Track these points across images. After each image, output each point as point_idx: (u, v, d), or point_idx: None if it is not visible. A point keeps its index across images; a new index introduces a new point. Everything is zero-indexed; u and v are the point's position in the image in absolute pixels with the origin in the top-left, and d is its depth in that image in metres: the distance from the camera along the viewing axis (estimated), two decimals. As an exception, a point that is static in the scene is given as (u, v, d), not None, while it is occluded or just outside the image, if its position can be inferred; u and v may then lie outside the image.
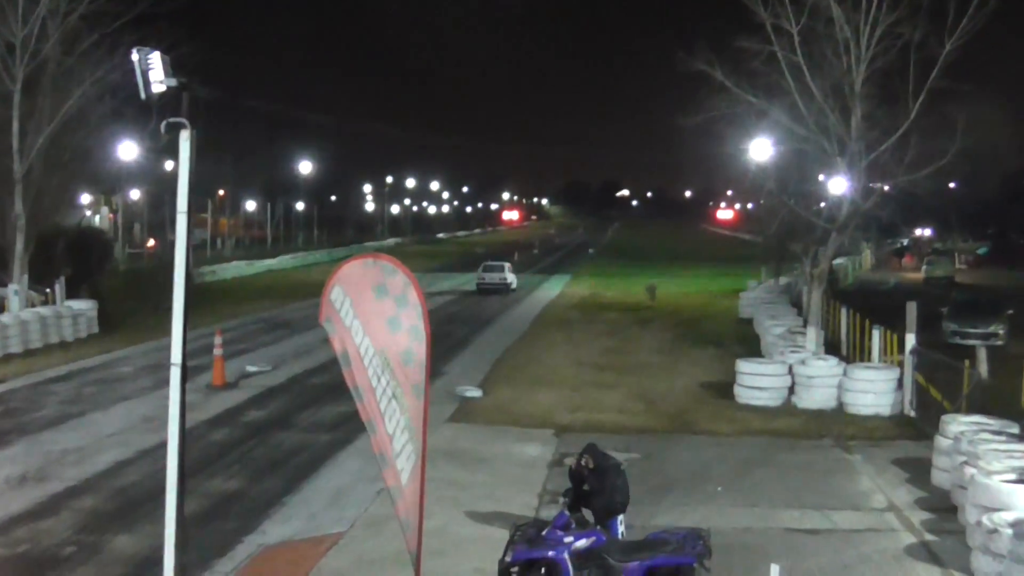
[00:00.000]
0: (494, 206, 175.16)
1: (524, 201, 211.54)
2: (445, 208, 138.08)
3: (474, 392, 16.74)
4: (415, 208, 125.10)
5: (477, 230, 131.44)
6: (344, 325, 6.37)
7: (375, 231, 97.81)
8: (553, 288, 41.40)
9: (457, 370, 19.45)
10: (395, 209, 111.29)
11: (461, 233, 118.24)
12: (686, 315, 29.97)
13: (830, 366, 15.75)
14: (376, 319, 6.20)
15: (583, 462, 7.84)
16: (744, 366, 16.22)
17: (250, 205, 79.14)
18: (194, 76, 6.44)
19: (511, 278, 39.46)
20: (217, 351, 17.79)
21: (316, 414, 15.42)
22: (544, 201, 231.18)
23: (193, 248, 46.54)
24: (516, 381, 17.99)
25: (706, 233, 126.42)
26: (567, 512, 7.45)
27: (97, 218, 49.23)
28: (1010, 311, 24.04)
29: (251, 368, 19.24)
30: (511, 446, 13.12)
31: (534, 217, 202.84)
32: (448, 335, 24.77)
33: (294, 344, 23.18)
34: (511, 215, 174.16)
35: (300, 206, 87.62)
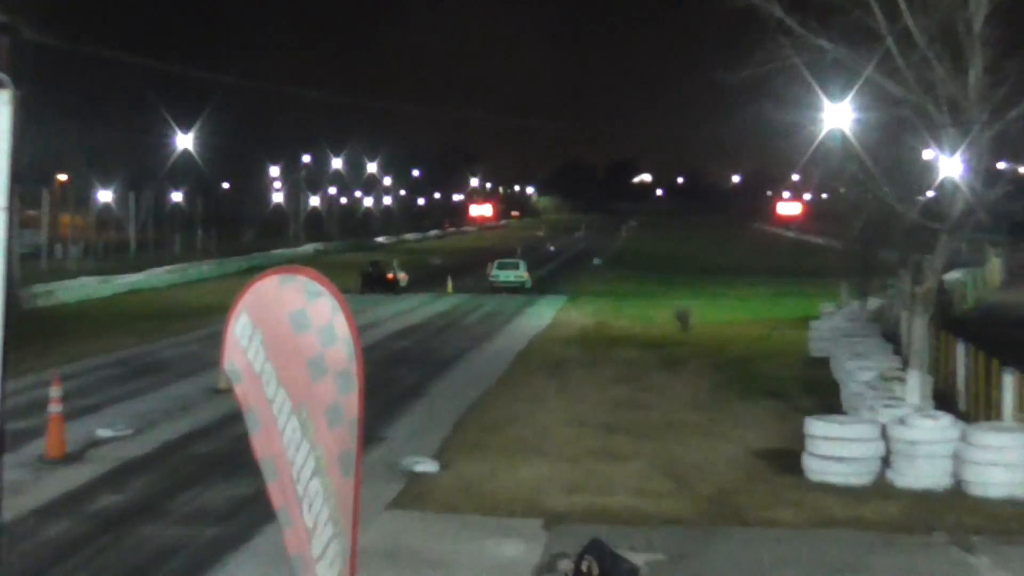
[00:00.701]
0: (458, 197, 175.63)
1: (502, 190, 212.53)
2: (387, 200, 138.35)
3: (428, 465, 16.68)
4: (344, 200, 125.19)
5: (433, 231, 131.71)
6: (253, 371, 6.34)
7: (286, 233, 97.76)
8: (542, 314, 41.51)
9: (404, 433, 19.42)
10: (315, 202, 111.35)
11: (411, 236, 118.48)
12: (733, 353, 30.09)
13: (942, 427, 15.78)
14: (294, 361, 6.18)
15: (585, 567, 7.82)
16: (817, 427, 16.26)
17: (105, 196, 78.79)
18: (21, 13, 6.39)
19: (527, 277, 52.84)
20: (54, 407, 17.63)
21: (199, 498, 15.30)
22: (530, 190, 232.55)
23: (20, 258, 46.13)
24: (488, 449, 17.95)
25: (762, 235, 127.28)
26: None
27: None
28: None
29: (104, 432, 19.08)
30: (481, 544, 13.06)
31: (515, 213, 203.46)
32: (392, 382, 24.73)
33: (168, 397, 23.04)
34: (482, 209, 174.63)
35: (178, 198, 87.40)
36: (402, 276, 52.24)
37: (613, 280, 59.71)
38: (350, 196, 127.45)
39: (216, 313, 39.40)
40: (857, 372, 21.19)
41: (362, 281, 50.82)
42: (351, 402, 6.11)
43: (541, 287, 54.63)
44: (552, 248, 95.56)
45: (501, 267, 53.38)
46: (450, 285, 51.74)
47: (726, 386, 24.43)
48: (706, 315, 38.54)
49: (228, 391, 23.94)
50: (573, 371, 26.78)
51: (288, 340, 6.19)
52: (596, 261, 77.04)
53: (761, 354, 29.91)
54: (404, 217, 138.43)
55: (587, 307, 43.98)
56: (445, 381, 25.93)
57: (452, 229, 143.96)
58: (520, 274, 52.87)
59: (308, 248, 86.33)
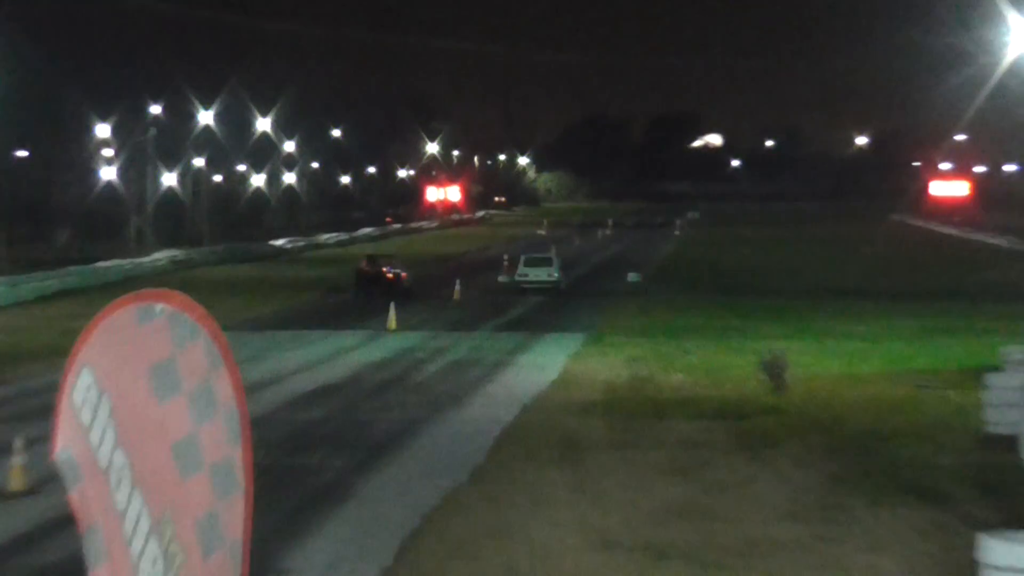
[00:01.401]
0: (405, 172, 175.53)
1: (481, 161, 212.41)
2: (290, 178, 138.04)
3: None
4: (218, 178, 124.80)
5: (366, 229, 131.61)
6: (97, 464, 6.33)
7: (124, 231, 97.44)
8: (545, 365, 41.43)
9: (318, 562, 19.43)
10: (170, 180, 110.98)
11: (328, 237, 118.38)
12: (856, 427, 30.06)
13: None
14: (156, 446, 6.18)
15: None
16: (999, 550, 16.23)
17: None
18: None
19: (560, 275, 69.02)
20: None
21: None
22: (523, 162, 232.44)
23: None
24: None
25: (905, 231, 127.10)
26: None
27: None
28: None
29: None
30: None
31: (500, 199, 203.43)
32: (300, 477, 24.77)
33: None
34: (446, 194, 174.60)
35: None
36: (403, 275, 65.65)
37: (660, 308, 59.57)
38: (229, 171, 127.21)
39: (4, 366, 39.32)
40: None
41: (355, 281, 63.72)
42: (234, 511, 6.11)
43: (543, 320, 54.62)
44: (554, 251, 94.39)
45: (529, 264, 69.42)
46: (392, 318, 51.71)
47: (845, 482, 24.38)
48: (812, 365, 38.48)
49: (26, 494, 23.92)
50: (595, 458, 26.71)
51: (149, 411, 6.19)
52: (632, 277, 77.02)
53: (903, 429, 29.85)
54: (319, 205, 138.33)
55: (618, 352, 43.85)
56: (385, 474, 25.85)
57: (396, 225, 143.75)
58: (553, 272, 68.69)
59: (160, 257, 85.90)
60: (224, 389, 6.18)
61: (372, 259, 67.30)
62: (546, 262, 70.53)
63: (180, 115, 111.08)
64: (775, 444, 28.03)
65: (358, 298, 62.04)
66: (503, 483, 24.50)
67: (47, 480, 21.53)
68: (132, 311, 6.41)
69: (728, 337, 46.78)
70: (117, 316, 6.42)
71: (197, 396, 6.18)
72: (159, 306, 6.33)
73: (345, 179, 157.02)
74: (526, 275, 68.15)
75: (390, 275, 64.45)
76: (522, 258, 71.30)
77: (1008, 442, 26.75)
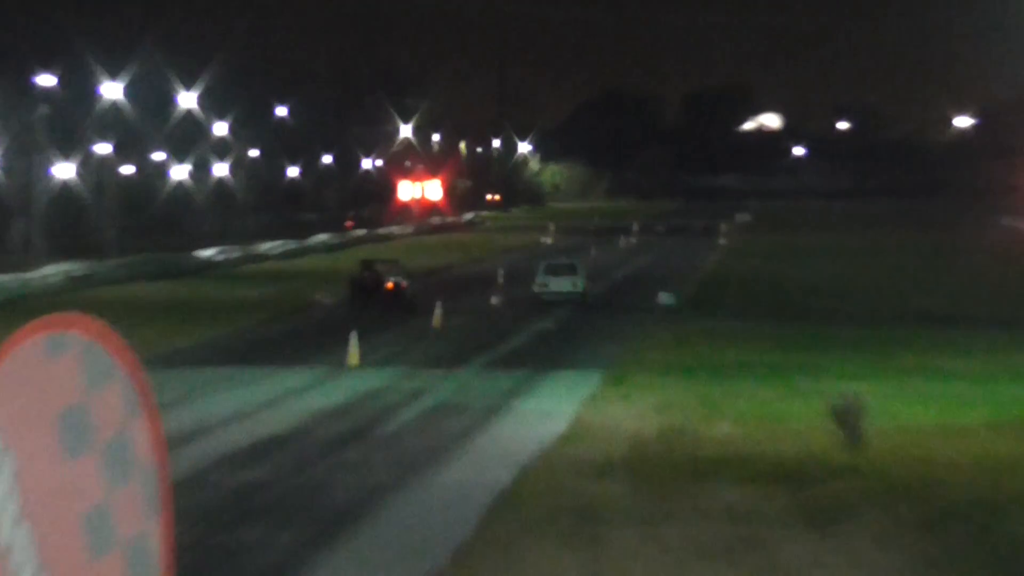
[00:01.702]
0: (371, 163, 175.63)
1: (469, 149, 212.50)
2: (222, 170, 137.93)
3: None
4: (129, 170, 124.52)
5: (323, 236, 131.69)
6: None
7: (5, 240, 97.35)
8: (551, 411, 41.49)
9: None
10: (66, 172, 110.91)
11: (271, 246, 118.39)
12: (955, 493, 30.06)
13: None
14: (65, 517, 6.19)
15: None
16: None
17: None
18: None
19: (585, 285, 76.30)
20: None
21: None
22: (524, 149, 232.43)
23: None
24: None
25: (1016, 239, 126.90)
26: None
27: None
28: None
29: None
30: None
31: (494, 197, 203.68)
32: (232, 558, 24.93)
33: None
34: (423, 191, 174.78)
35: None
36: (404, 285, 71.09)
37: (701, 338, 59.62)
38: (143, 160, 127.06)
39: None
40: None
41: (351, 291, 68.18)
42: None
43: (548, 354, 54.69)
44: (563, 262, 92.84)
45: (551, 272, 76.86)
46: (354, 351, 51.74)
47: (943, 567, 24.41)
48: (898, 413, 38.50)
49: None
50: (617, 534, 26.76)
51: (58, 472, 6.19)
52: (665, 298, 77.16)
53: (1020, 497, 29.86)
54: (259, 204, 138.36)
55: (646, 396, 43.86)
56: (343, 554, 25.94)
57: (360, 231, 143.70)
58: (578, 281, 76.19)
59: (52, 271, 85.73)
60: (142, 444, 6.17)
61: (369, 265, 70.86)
62: (569, 270, 77.67)
63: (79, 87, 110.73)
64: (850, 516, 28.03)
65: (353, 312, 63.99)
66: (496, 566, 24.56)
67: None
68: (41, 342, 6.37)
69: (789, 376, 46.82)
70: (24, 349, 6.37)
71: (111, 453, 6.16)
72: (72, 335, 6.32)
73: (293, 171, 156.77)
74: (546, 285, 75.44)
75: (390, 284, 68.17)
76: (542, 265, 78.00)
77: None
